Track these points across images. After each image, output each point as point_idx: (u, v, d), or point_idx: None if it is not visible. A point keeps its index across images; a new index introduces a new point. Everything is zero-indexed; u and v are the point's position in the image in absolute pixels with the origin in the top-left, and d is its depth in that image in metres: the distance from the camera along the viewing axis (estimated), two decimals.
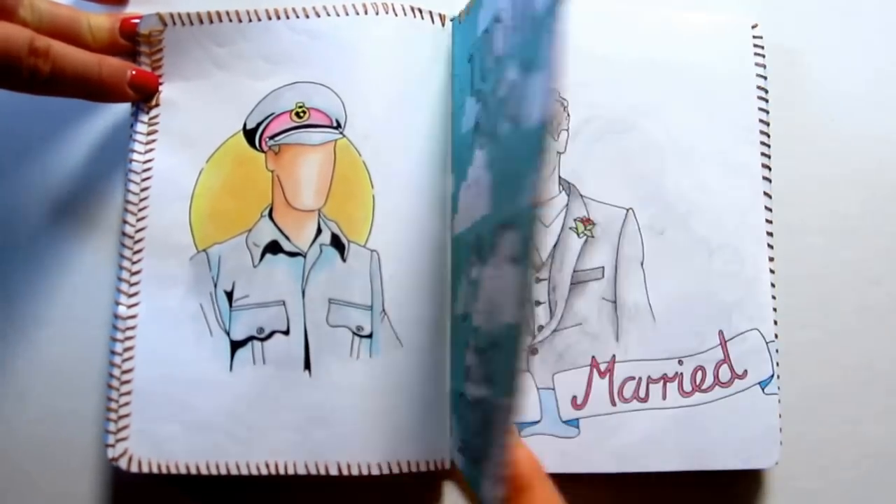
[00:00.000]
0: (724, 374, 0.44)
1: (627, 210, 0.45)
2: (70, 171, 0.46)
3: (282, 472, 0.41)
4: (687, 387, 0.44)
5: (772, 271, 0.45)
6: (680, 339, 0.44)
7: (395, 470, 0.41)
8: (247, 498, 0.44)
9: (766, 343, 0.44)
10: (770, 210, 0.45)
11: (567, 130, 0.45)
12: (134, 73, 0.44)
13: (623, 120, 0.46)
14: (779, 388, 0.44)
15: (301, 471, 0.41)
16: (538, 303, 0.45)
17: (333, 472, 0.41)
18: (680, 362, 0.44)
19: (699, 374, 0.44)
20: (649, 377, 0.44)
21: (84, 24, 0.44)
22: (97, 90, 0.43)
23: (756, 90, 0.47)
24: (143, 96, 0.45)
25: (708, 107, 0.46)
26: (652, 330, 0.44)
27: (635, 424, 0.44)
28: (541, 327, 0.44)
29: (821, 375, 0.47)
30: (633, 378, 0.44)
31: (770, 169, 0.46)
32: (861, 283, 0.47)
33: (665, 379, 0.44)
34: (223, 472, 0.41)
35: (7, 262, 0.45)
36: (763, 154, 0.46)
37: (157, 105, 0.45)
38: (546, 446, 0.43)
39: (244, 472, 0.41)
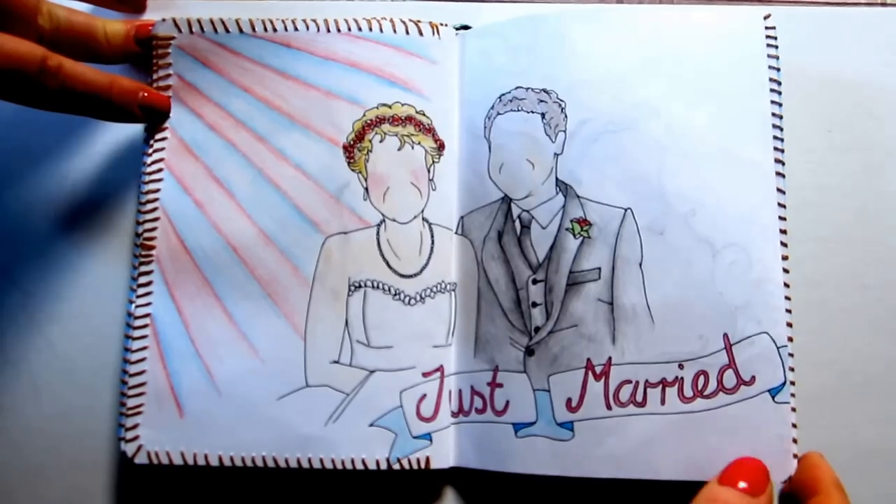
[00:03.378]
0: (729, 379, 0.39)
1: (625, 210, 0.41)
2: (87, 175, 0.46)
3: (293, 465, 0.41)
4: (688, 392, 0.39)
5: (786, 271, 0.40)
6: (681, 343, 0.40)
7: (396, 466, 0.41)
8: (253, 491, 0.43)
9: (778, 348, 0.39)
10: (784, 207, 0.41)
11: (564, 132, 0.43)
12: (146, 95, 0.43)
13: (621, 119, 0.42)
14: (792, 395, 0.39)
15: (305, 465, 0.41)
16: (534, 304, 0.42)
17: (329, 466, 0.41)
18: (681, 366, 0.40)
19: (701, 379, 0.39)
20: (647, 381, 0.40)
21: (100, 29, 0.43)
22: (106, 110, 0.42)
23: (769, 83, 0.42)
24: (154, 118, 0.44)
25: (714, 102, 0.42)
26: (650, 332, 0.40)
27: (631, 429, 0.40)
28: (537, 328, 0.41)
29: (818, 380, 0.43)
30: (629, 381, 0.40)
31: (784, 164, 0.41)
32: (855, 289, 0.44)
33: (664, 383, 0.40)
34: (238, 464, 0.41)
35: (25, 261, 0.45)
36: (777, 149, 0.41)
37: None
38: (541, 448, 0.40)
39: (248, 464, 0.41)
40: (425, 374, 0.43)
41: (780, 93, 0.42)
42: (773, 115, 0.42)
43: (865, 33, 0.47)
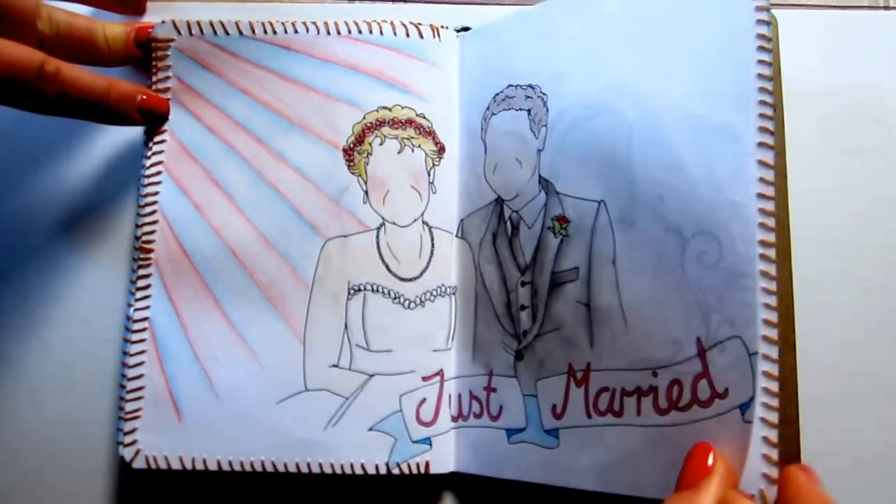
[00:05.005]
0: (704, 390, 0.33)
1: (599, 203, 0.37)
2: (86, 178, 0.46)
3: (292, 469, 0.40)
4: (662, 403, 0.34)
5: (769, 259, 0.32)
6: (654, 348, 0.35)
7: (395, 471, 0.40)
8: (252, 496, 0.42)
9: (749, 355, 0.32)
10: (769, 184, 0.33)
11: (546, 126, 0.40)
12: (144, 98, 0.43)
13: (595, 103, 0.38)
14: (761, 416, 0.32)
15: (304, 469, 0.40)
16: (523, 307, 0.40)
17: (328, 471, 0.40)
18: (654, 374, 0.34)
19: (675, 388, 0.34)
20: (623, 389, 0.35)
21: (100, 33, 0.43)
22: (105, 114, 0.42)
23: (756, 39, 0.34)
24: (153, 121, 0.44)
25: (690, 67, 0.36)
26: (624, 336, 0.36)
27: (610, 440, 0.36)
28: (525, 332, 0.40)
29: (818, 384, 0.42)
30: (607, 389, 0.36)
31: (772, 134, 0.33)
32: (858, 293, 0.43)
33: (640, 392, 0.35)
34: (237, 468, 0.40)
35: (23, 264, 0.45)
36: (764, 115, 0.33)
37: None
38: (531, 455, 0.39)
39: (247, 468, 0.40)
40: (425, 379, 0.42)
41: (770, 63, 0.34)
42: (760, 75, 0.34)
43: (869, 37, 0.46)
